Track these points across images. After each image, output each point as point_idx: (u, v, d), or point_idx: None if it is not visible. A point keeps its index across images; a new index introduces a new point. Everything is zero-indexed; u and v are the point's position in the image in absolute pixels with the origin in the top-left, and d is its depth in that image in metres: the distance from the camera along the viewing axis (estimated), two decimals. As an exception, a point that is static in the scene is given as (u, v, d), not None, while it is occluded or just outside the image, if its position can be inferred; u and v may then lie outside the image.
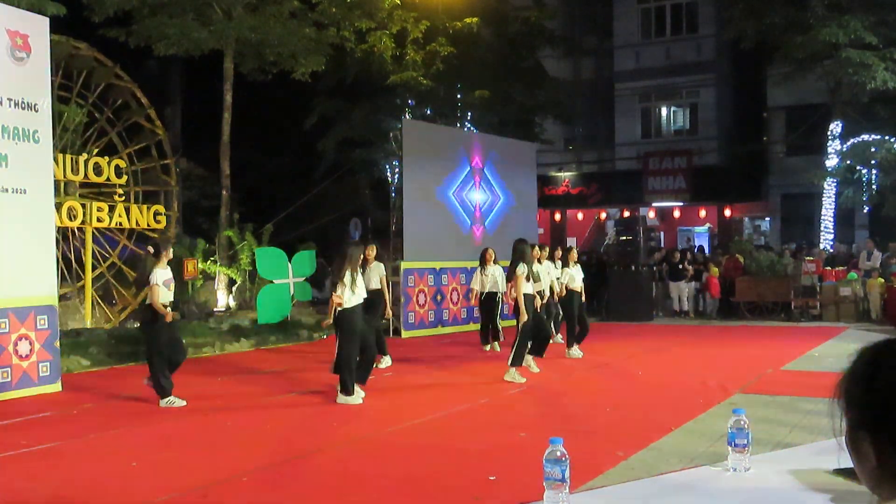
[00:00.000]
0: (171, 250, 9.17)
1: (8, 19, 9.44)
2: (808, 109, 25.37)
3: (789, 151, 27.96)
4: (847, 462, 1.36)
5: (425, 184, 16.09)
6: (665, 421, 7.38)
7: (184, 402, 8.52)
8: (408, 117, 20.17)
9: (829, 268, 18.86)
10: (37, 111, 9.64)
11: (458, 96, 23.39)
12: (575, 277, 12.30)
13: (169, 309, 8.61)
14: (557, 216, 31.32)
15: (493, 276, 12.96)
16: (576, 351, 12.14)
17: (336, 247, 29.33)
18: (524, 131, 23.36)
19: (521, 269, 9.85)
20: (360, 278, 8.83)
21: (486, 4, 22.61)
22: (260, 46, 17.70)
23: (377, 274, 11.17)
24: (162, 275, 8.55)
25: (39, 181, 9.67)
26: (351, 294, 8.66)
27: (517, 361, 9.82)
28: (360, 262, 9.07)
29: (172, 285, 8.73)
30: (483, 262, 13.11)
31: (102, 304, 15.30)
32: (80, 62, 14.68)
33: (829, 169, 22.95)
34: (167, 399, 8.52)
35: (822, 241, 23.04)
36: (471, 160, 17.33)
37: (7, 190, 9.24)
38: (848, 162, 22.52)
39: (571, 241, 29.20)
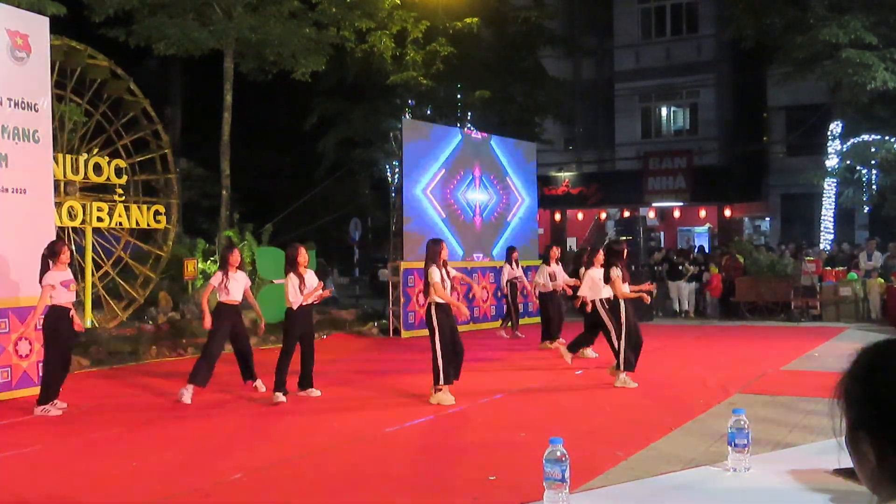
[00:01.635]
0: (69, 252, 8.66)
1: (8, 19, 9.43)
2: (808, 109, 25.39)
3: (789, 151, 27.98)
4: (847, 462, 1.36)
5: (425, 184, 16.08)
6: (665, 421, 7.38)
7: (59, 412, 8.24)
8: (408, 117, 20.16)
9: (829, 268, 18.85)
10: (37, 111, 9.63)
11: (458, 96, 23.39)
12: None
13: (71, 313, 8.35)
14: (557, 216, 31.33)
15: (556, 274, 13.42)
16: (590, 351, 12.26)
17: (336, 247, 29.40)
18: (524, 131, 23.35)
19: (616, 272, 9.85)
20: (308, 278, 8.95)
21: (487, 4, 22.60)
22: (260, 46, 17.68)
23: (242, 283, 9.37)
24: (58, 276, 8.21)
25: (39, 181, 9.67)
26: (297, 294, 8.85)
27: (628, 366, 9.66)
28: (302, 263, 9.01)
29: (73, 286, 8.42)
30: (547, 259, 13.50)
31: (110, 300, 15.29)
32: (95, 72, 14.70)
33: (830, 169, 22.94)
34: (43, 408, 8.22)
35: (822, 241, 23.04)
36: (471, 160, 17.32)
37: (7, 190, 9.23)
38: (848, 162, 22.52)
39: (572, 242, 29.26)
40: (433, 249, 8.97)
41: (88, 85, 15.05)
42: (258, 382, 9.39)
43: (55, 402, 8.37)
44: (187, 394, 8.81)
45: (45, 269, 8.28)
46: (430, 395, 8.71)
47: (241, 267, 9.38)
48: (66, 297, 8.30)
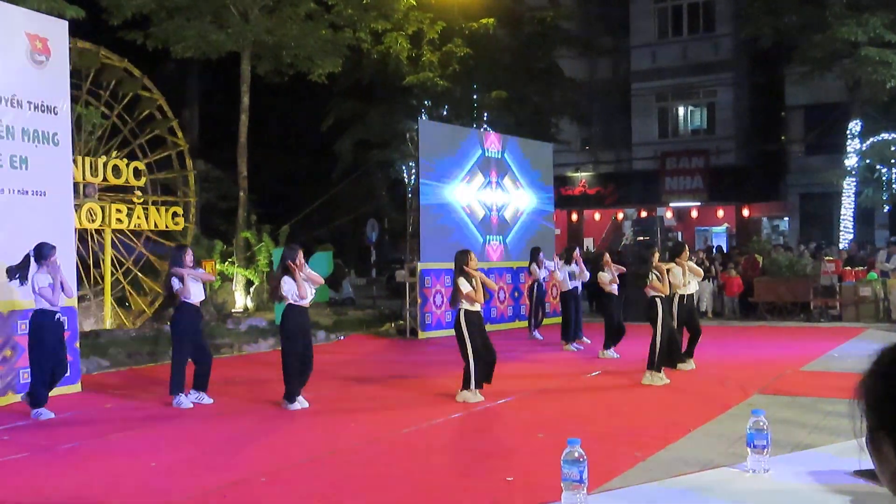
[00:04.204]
0: (55, 255, 8.28)
1: (27, 23, 9.51)
2: (826, 108, 25.20)
3: (808, 151, 27.79)
4: (868, 464, 1.35)
5: (441, 184, 16.10)
6: (683, 422, 7.34)
7: (52, 415, 8.07)
8: (424, 118, 20.17)
9: (848, 268, 18.71)
10: (56, 114, 9.70)
11: (474, 97, 23.40)
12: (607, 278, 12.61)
13: (59, 316, 8.20)
14: (574, 217, 31.27)
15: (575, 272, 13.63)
16: (611, 352, 12.25)
17: (353, 248, 29.43)
18: (540, 132, 23.32)
19: (653, 271, 9.98)
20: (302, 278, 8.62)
21: (502, 5, 22.60)
22: (276, 48, 17.77)
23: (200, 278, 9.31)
24: (44, 279, 8.05)
25: (59, 183, 9.74)
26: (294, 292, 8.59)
27: (651, 365, 9.68)
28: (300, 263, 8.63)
29: (60, 291, 8.15)
30: (569, 258, 13.71)
31: (128, 301, 15.43)
32: (110, 73, 14.83)
33: (849, 168, 22.78)
34: (36, 411, 8.08)
35: (841, 240, 22.87)
36: (487, 161, 17.31)
37: (27, 192, 9.30)
38: (867, 161, 22.36)
39: (589, 242, 29.21)
40: (461, 260, 8.93)
41: (105, 86, 15.18)
42: (200, 395, 8.87)
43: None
44: (185, 401, 8.64)
45: (26, 265, 8.08)
46: (456, 393, 8.76)
47: (197, 265, 9.13)
48: (56, 300, 8.15)
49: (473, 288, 8.76)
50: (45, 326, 8.13)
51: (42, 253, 8.17)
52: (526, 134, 20.65)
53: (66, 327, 8.71)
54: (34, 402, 8.16)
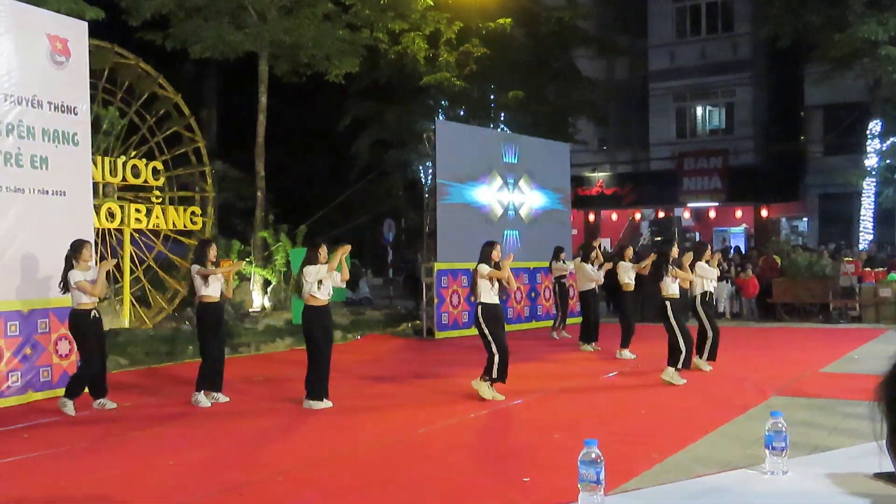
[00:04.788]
0: (91, 250, 8.54)
1: (48, 24, 9.60)
2: (846, 108, 25.05)
3: (827, 151, 27.64)
4: (888, 466, 1.34)
5: (458, 184, 16.10)
6: (701, 423, 7.31)
7: (73, 412, 8.27)
8: (441, 118, 20.19)
9: (868, 268, 18.58)
10: (76, 114, 9.79)
11: (492, 97, 23.40)
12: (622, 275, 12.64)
13: (94, 313, 8.37)
14: (591, 217, 31.23)
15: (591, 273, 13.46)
16: (628, 353, 12.22)
17: (370, 248, 29.48)
18: (558, 131, 23.29)
19: (669, 271, 10.02)
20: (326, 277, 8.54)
21: (519, 5, 22.60)
22: (294, 49, 17.83)
23: (219, 279, 9.21)
24: (80, 276, 8.23)
25: (79, 183, 9.83)
26: (317, 290, 8.53)
27: (674, 363, 9.70)
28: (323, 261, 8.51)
29: (97, 288, 8.31)
30: (587, 256, 13.56)
31: (146, 301, 15.51)
32: (126, 71, 14.93)
33: (869, 168, 22.62)
34: (64, 400, 8.37)
35: (861, 241, 22.73)
36: (504, 161, 17.30)
37: (47, 192, 9.39)
38: (888, 161, 22.22)
39: (606, 242, 29.16)
40: (485, 251, 9.03)
41: (120, 84, 15.27)
42: (218, 395, 8.91)
43: (99, 401, 8.61)
44: (203, 400, 8.69)
45: (68, 268, 8.32)
46: (477, 380, 8.84)
47: (217, 263, 9.14)
48: (86, 298, 8.33)
49: (491, 277, 8.79)
50: (82, 324, 8.36)
51: (73, 247, 8.42)
52: (543, 134, 20.62)
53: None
54: (69, 393, 8.39)
